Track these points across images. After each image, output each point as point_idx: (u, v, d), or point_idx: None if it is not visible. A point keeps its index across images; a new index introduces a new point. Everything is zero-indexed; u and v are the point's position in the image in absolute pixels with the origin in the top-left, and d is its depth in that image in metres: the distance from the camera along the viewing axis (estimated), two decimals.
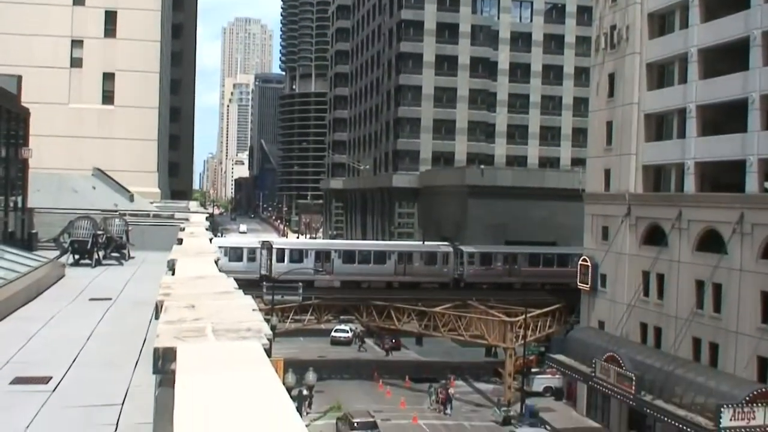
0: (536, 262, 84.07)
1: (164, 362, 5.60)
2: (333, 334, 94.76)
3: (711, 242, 55.82)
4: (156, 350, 5.72)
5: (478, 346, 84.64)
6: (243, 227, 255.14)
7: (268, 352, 5.79)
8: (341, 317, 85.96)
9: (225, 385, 4.59)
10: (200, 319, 6.99)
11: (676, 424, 49.34)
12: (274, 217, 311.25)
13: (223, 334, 6.27)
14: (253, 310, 7.51)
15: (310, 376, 54.49)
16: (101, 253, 30.18)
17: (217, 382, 4.66)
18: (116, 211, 41.23)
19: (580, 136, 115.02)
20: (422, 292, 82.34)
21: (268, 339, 6.15)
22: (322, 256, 79.37)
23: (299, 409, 48.12)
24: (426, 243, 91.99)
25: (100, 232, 30.19)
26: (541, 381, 75.99)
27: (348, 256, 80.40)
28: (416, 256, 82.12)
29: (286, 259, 77.73)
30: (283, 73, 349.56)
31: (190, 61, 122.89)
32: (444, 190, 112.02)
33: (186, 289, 9.39)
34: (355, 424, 58.44)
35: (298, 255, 78.61)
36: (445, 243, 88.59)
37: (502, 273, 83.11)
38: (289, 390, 45.26)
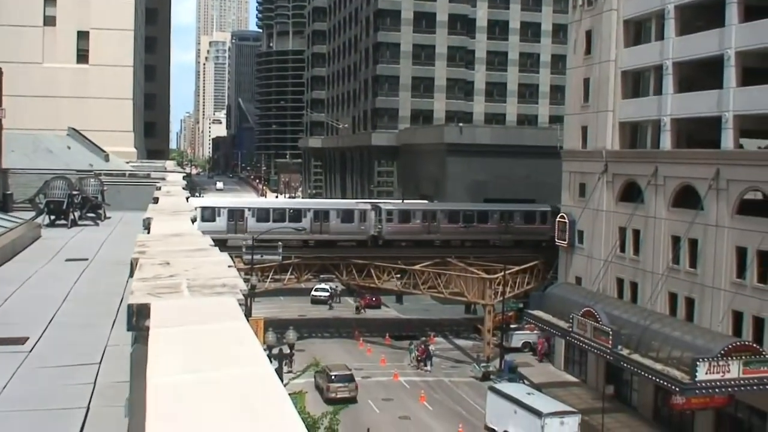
0: (456, 219, 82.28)
1: (138, 319, 5.61)
2: (313, 293, 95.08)
3: (687, 198, 56.18)
4: (130, 306, 5.73)
5: (457, 303, 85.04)
6: (219, 184, 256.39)
7: (248, 310, 5.81)
8: (321, 276, 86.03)
9: (198, 338, 4.61)
10: (175, 275, 7.00)
11: (653, 377, 49.85)
12: (252, 177, 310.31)
13: (198, 290, 6.28)
14: (229, 266, 7.52)
15: (291, 335, 54.60)
16: (77, 214, 30.02)
17: (191, 336, 4.69)
18: (91, 171, 41.05)
19: (558, 93, 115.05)
20: (402, 249, 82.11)
21: (244, 294, 6.17)
22: (236, 214, 77.50)
23: (280, 368, 48.34)
24: (344, 200, 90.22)
25: (75, 193, 29.99)
26: (520, 337, 76.61)
27: (262, 214, 78.61)
28: (333, 214, 79.77)
29: (198, 217, 75.92)
30: (260, 30, 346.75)
31: (165, 18, 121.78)
32: (423, 148, 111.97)
33: (161, 246, 9.38)
34: (333, 377, 60.00)
35: (210, 214, 76.44)
36: (365, 201, 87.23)
37: (421, 230, 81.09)
38: (269, 349, 45.29)
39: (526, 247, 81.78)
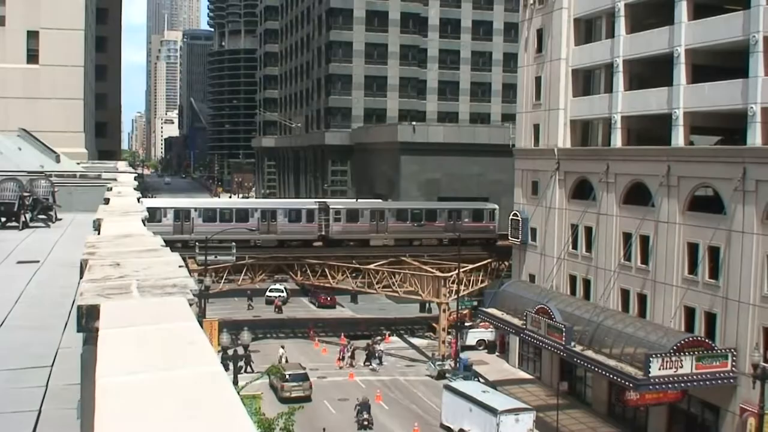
0: (212, 218, 77.32)
1: (88, 320, 5.59)
2: (267, 293, 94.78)
3: (638, 195, 56.75)
4: (80, 308, 5.70)
5: (412, 301, 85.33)
6: (167, 179, 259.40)
7: (202, 312, 5.80)
8: (276, 276, 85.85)
9: (148, 339, 4.62)
10: (125, 276, 6.98)
11: (607, 374, 50.33)
12: (206, 177, 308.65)
13: (148, 290, 6.27)
14: (180, 266, 7.50)
15: (245, 336, 54.43)
16: (28, 216, 29.67)
17: (140, 336, 4.69)
18: (42, 172, 40.61)
19: (510, 91, 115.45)
20: (347, 249, 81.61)
21: (194, 294, 6.17)
22: None
23: (235, 369, 48.13)
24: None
25: (26, 194, 29.64)
26: (475, 334, 77.01)
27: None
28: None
29: None
30: (212, 29, 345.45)
31: (116, 17, 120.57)
32: (376, 147, 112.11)
33: (111, 247, 9.33)
34: (287, 377, 60.27)
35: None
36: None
37: (173, 230, 74.24)
38: (224, 350, 45.01)
39: (291, 246, 79.49)
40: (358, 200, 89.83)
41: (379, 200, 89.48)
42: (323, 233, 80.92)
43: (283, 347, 70.64)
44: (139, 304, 5.75)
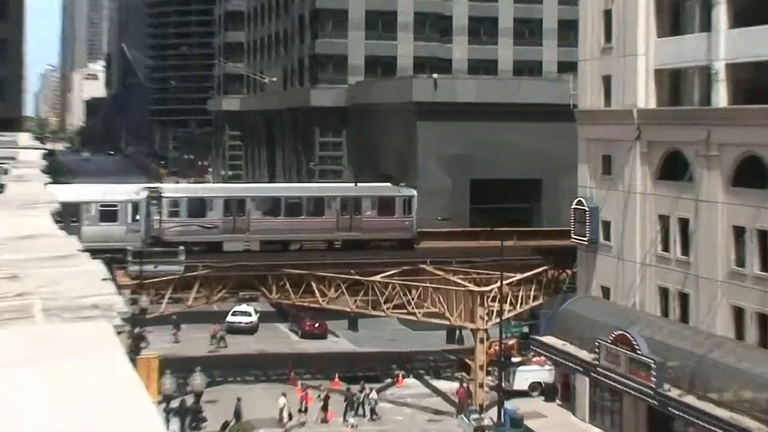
0: None
1: None
2: (230, 317, 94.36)
3: (753, 174, 56.39)
4: None
5: (436, 328, 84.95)
6: (86, 154, 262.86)
7: (135, 344, 5.70)
8: (242, 293, 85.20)
9: (56, 383, 4.52)
10: (26, 294, 6.90)
11: (716, 429, 50.07)
12: (144, 154, 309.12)
13: (58, 313, 6.19)
14: (103, 279, 7.43)
15: (198, 380, 54.31)
16: None
17: (45, 380, 4.59)
18: None
19: (569, 31, 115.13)
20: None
21: (124, 319, 6.08)
22: None
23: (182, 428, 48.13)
24: None
25: None
26: (526, 375, 76.57)
27: None
28: None
29: None
30: None
31: None
32: (383, 109, 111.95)
33: (8, 253, 9.26)
34: None
35: None
36: None
37: None
38: (167, 400, 45.02)
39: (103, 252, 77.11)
40: (206, 186, 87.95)
41: (239, 185, 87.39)
42: (153, 234, 77.08)
43: (284, 395, 69.08)
44: (44, 332, 5.67)
